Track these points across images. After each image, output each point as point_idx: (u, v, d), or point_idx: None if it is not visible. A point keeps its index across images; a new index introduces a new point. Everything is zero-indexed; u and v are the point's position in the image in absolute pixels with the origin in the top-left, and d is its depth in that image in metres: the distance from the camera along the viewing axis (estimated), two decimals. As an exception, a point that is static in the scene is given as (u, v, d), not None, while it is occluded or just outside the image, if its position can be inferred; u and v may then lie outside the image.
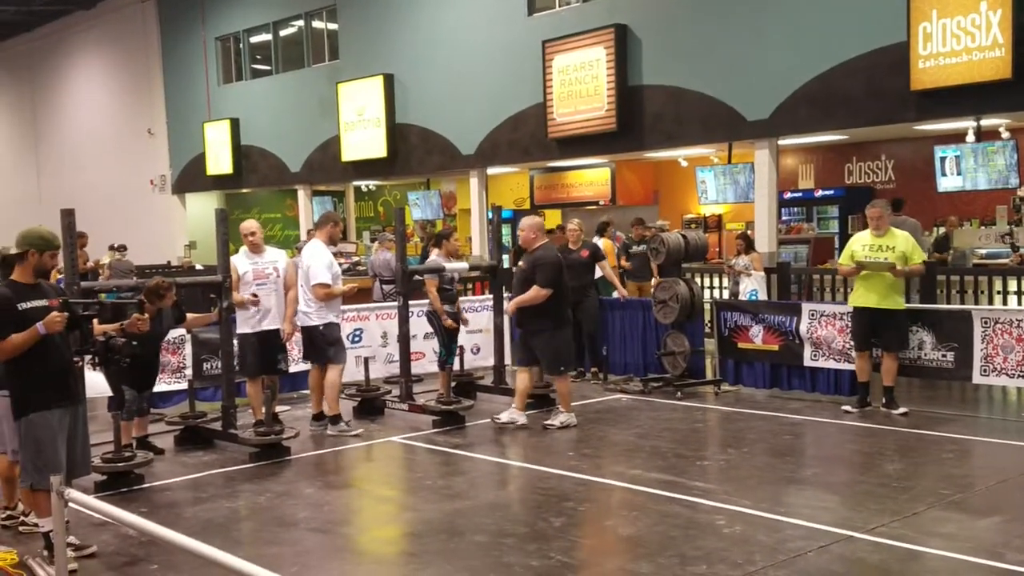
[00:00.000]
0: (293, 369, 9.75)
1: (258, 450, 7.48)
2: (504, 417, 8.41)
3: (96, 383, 7.32)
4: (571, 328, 8.65)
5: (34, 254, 5.21)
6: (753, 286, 11.18)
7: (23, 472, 5.28)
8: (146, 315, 6.11)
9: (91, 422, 5.83)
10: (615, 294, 11.20)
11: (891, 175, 17.53)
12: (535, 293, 8.13)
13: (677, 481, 6.55)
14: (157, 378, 7.91)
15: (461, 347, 10.13)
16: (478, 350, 10.97)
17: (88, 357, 5.58)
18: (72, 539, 5.33)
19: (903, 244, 8.37)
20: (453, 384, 9.22)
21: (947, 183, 12.31)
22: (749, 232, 13.58)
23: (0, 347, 5.07)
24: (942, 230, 14.64)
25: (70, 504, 4.17)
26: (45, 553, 5.18)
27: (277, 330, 8.26)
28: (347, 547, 5.70)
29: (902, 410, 8.34)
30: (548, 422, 8.31)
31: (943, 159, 12.22)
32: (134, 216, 24.52)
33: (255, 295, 8.14)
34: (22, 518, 5.89)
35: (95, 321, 5.62)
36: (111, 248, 17.85)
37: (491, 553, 5.27)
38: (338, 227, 8.68)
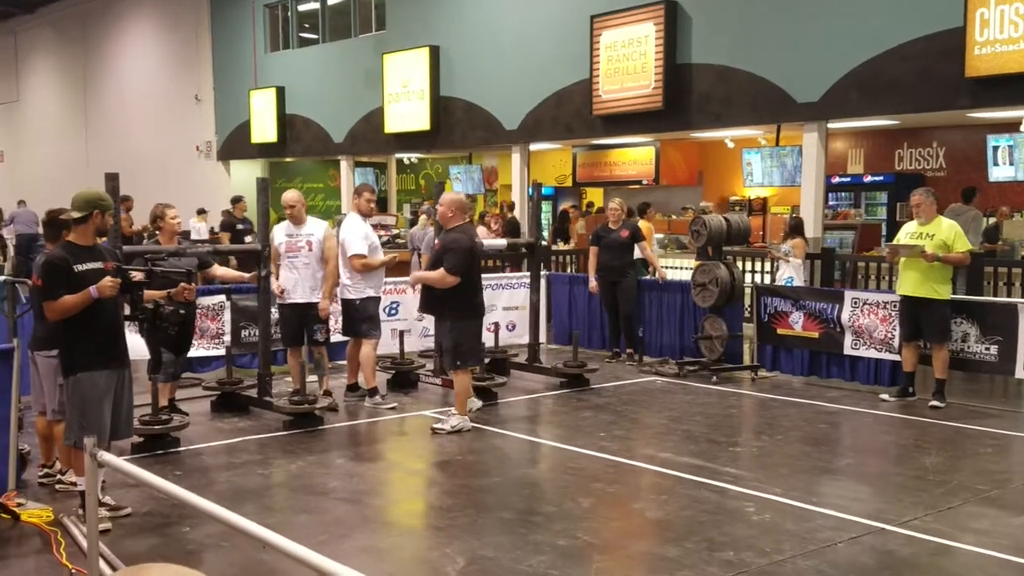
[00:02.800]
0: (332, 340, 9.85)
1: (292, 418, 7.56)
2: (447, 426, 7.52)
3: (137, 345, 7.42)
4: (478, 322, 7.76)
5: (98, 214, 5.32)
6: (789, 273, 11.02)
7: (67, 430, 5.39)
8: (193, 285, 6.18)
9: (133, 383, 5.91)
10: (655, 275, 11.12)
11: (942, 162, 17.19)
12: (440, 275, 7.42)
13: (708, 466, 6.51)
14: (192, 342, 8.00)
15: (496, 324, 10.15)
16: (513, 327, 10.97)
17: (136, 324, 5.67)
18: (108, 499, 5.43)
19: (944, 233, 8.20)
20: (488, 361, 9.22)
21: (999, 172, 12.05)
22: (795, 215, 13.38)
23: (53, 307, 5.18)
24: (992, 220, 14.33)
25: (104, 466, 4.23)
26: (80, 512, 5.28)
27: (308, 303, 8.15)
28: (376, 518, 5.74)
29: (933, 403, 8.21)
30: (438, 426, 7.52)
31: (996, 148, 11.95)
32: (179, 181, 24.76)
33: (283, 289, 8.14)
34: (59, 476, 6.00)
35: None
36: (200, 212, 19.12)
37: (517, 530, 5.28)
38: (362, 197, 8.44)
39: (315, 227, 8.30)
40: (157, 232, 7.65)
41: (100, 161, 25.45)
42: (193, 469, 6.56)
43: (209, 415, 8.09)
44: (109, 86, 28.72)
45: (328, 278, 8.16)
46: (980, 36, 11.08)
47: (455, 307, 7.51)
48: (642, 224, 12.07)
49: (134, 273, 5.52)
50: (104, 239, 6.04)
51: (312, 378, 8.46)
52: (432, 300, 7.62)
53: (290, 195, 8.34)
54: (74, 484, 5.72)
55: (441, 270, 7.42)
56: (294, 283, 8.12)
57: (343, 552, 4.83)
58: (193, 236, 18.66)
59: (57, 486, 5.96)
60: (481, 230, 15.32)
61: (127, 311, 5.57)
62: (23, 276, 7.58)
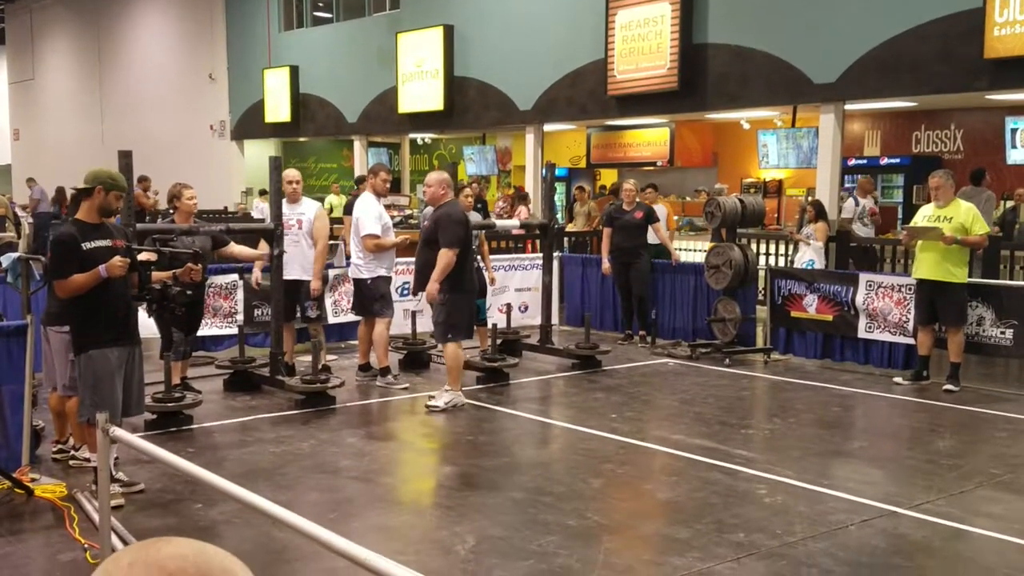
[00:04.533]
0: (341, 320, 9.87)
1: (304, 397, 7.57)
2: (440, 402, 7.52)
3: (148, 323, 7.45)
4: (470, 296, 7.72)
5: (100, 191, 5.31)
6: (811, 256, 10.94)
7: (81, 406, 5.42)
8: (199, 265, 6.17)
9: (145, 362, 5.92)
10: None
11: (960, 145, 17.03)
12: (443, 260, 7.31)
13: (719, 448, 6.49)
14: (202, 322, 8.03)
15: (509, 305, 10.16)
16: (526, 308, 10.96)
17: (144, 305, 5.67)
18: (121, 476, 5.46)
19: (962, 215, 8.12)
20: (500, 341, 9.21)
21: (1017, 155, 11.95)
22: (811, 198, 13.26)
23: (62, 286, 5.20)
24: (1009, 203, 14.21)
25: (117, 442, 4.25)
26: (93, 487, 5.30)
27: (299, 280, 8.33)
28: (386, 497, 5.75)
29: (947, 387, 8.16)
30: (432, 403, 7.50)
31: (1014, 131, 11.84)
32: (193, 160, 24.80)
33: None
34: (72, 452, 6.04)
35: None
36: (263, 193, 19.64)
37: (527, 511, 5.28)
38: (378, 177, 8.47)
39: (308, 207, 8.59)
40: (172, 211, 7.69)
41: (115, 139, 25.48)
42: (205, 447, 6.59)
43: (222, 393, 8.11)
44: (123, 65, 28.74)
45: (318, 259, 8.41)
46: (1000, 17, 10.95)
47: (450, 279, 7.41)
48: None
49: (143, 253, 5.52)
50: (115, 218, 6.04)
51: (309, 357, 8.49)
52: (425, 276, 7.55)
53: (291, 172, 8.66)
54: (88, 460, 5.76)
55: (441, 252, 7.35)
56: (285, 260, 8.20)
57: (353, 530, 4.85)
58: (256, 216, 18.68)
59: (71, 462, 5.99)
60: (522, 210, 15.32)
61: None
62: (38, 254, 7.62)
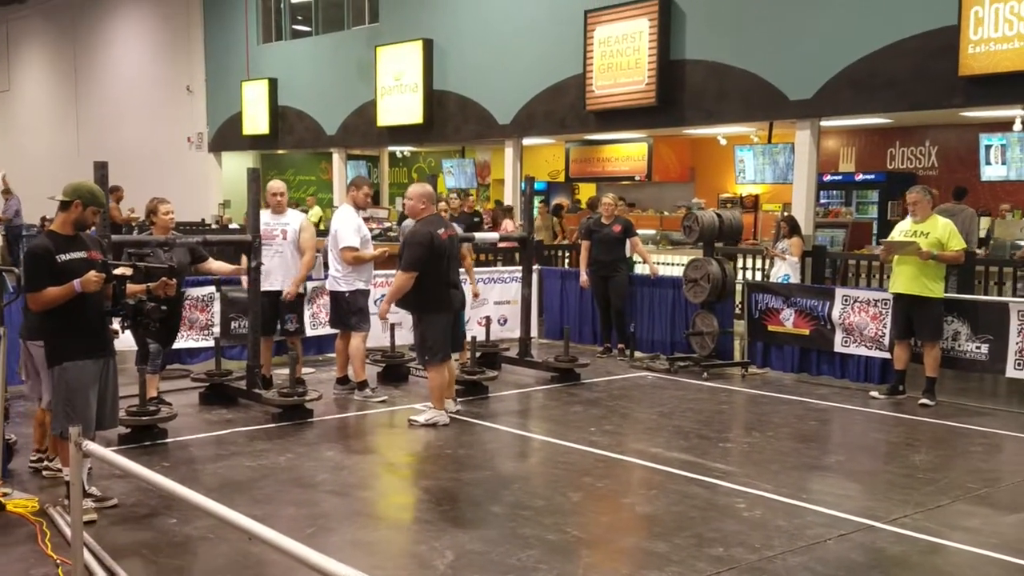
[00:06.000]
0: (319, 332, 9.81)
1: (281, 411, 7.51)
2: (421, 418, 7.52)
3: (126, 335, 7.37)
4: (445, 316, 7.47)
5: (78, 205, 5.28)
6: (786, 271, 11.01)
7: (54, 420, 5.36)
8: (174, 280, 6.10)
9: (120, 374, 5.85)
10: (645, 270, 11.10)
11: (934, 161, 17.22)
12: (397, 282, 7.29)
13: (698, 462, 6.49)
14: (178, 334, 7.96)
15: (487, 318, 10.14)
16: (505, 321, 10.95)
17: (118, 319, 5.60)
18: (94, 490, 5.39)
19: (939, 231, 8.21)
20: (479, 354, 9.19)
21: (991, 172, 12.08)
22: (785, 213, 13.36)
23: (35, 299, 5.14)
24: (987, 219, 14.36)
25: (90, 456, 4.19)
26: (66, 502, 5.23)
27: (282, 291, 8.35)
28: (364, 511, 5.71)
29: (923, 401, 8.21)
30: (414, 418, 7.52)
31: (988, 147, 11.97)
32: (170, 173, 24.65)
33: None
34: (46, 462, 5.95)
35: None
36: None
37: (507, 524, 5.25)
38: (360, 190, 8.48)
39: (292, 218, 8.64)
40: (150, 225, 7.65)
41: (91, 151, 25.24)
42: (181, 461, 6.51)
43: (197, 407, 8.03)
44: (100, 76, 28.57)
45: (303, 268, 8.44)
46: (974, 35, 11.09)
47: (419, 301, 7.37)
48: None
49: (119, 268, 5.46)
50: (91, 229, 5.98)
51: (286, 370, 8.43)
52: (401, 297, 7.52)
53: (277, 184, 8.68)
54: (60, 471, 5.67)
55: (397, 274, 7.37)
56: (267, 271, 8.16)
57: (331, 545, 4.81)
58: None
59: (44, 472, 5.91)
60: (507, 223, 15.31)
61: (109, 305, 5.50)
62: (12, 266, 7.55)
